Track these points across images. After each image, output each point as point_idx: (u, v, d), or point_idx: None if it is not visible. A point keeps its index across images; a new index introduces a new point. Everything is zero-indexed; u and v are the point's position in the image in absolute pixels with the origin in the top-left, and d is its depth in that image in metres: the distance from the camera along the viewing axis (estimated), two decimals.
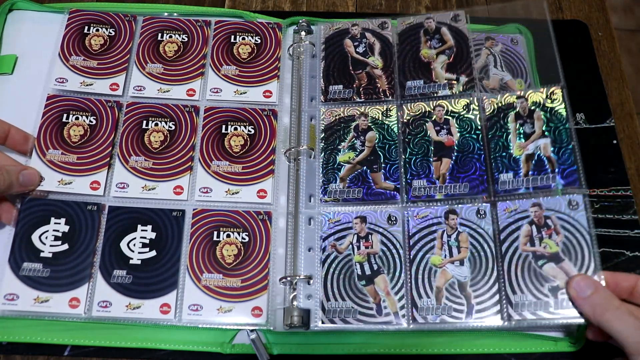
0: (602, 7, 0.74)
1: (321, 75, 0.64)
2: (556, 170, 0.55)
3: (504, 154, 0.57)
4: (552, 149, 0.56)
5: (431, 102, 0.61)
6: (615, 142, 0.65)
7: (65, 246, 0.55)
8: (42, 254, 0.55)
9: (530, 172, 0.56)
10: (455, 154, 0.58)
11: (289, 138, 0.62)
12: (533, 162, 0.56)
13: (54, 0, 0.72)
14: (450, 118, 0.60)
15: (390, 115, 0.61)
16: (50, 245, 0.55)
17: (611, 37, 0.72)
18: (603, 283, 0.50)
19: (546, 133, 0.57)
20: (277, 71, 0.65)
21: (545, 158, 0.56)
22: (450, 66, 0.63)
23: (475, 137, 0.59)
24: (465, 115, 0.60)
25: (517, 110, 0.59)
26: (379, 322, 0.52)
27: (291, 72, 0.66)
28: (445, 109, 0.60)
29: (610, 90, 0.68)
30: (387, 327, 0.52)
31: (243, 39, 0.67)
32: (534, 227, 0.54)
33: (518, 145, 0.57)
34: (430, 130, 0.60)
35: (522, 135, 0.57)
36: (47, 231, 0.56)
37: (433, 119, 0.60)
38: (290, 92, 0.65)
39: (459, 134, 0.59)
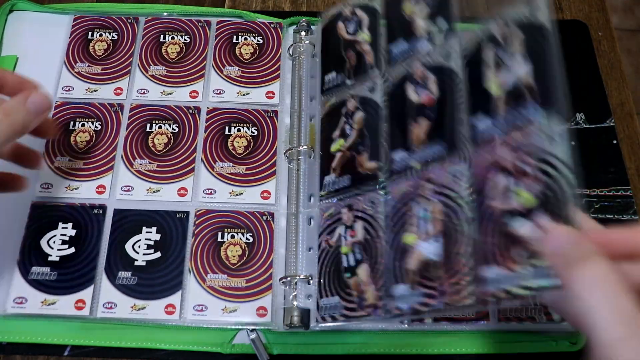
0: (602, 7, 0.74)
1: (320, 73, 0.63)
2: (537, 100, 0.43)
3: (482, 96, 0.47)
4: (532, 75, 0.43)
5: (412, 63, 0.54)
6: (615, 142, 0.65)
7: (72, 249, 0.56)
8: (50, 258, 0.56)
9: (508, 109, 0.44)
10: (435, 113, 0.50)
11: (290, 138, 0.62)
12: (513, 98, 0.44)
13: (55, 0, 0.72)
14: (430, 74, 0.52)
15: (375, 90, 0.56)
16: (58, 249, 0.56)
17: (611, 37, 0.72)
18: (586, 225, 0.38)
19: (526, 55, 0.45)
20: (279, 72, 0.65)
21: (525, 88, 0.43)
22: (431, 15, 0.54)
23: (454, 88, 0.50)
24: (446, 65, 0.51)
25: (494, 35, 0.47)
26: (360, 316, 0.49)
27: (291, 72, 0.66)
28: (426, 65, 0.52)
29: (610, 90, 0.69)
30: (386, 324, 0.52)
31: (245, 39, 0.67)
32: (509, 177, 0.42)
33: (496, 83, 0.46)
34: (410, 91, 0.53)
35: (499, 66, 0.46)
36: (55, 235, 0.57)
37: (413, 78, 0.53)
38: (290, 92, 0.65)
39: (438, 91, 0.51)
